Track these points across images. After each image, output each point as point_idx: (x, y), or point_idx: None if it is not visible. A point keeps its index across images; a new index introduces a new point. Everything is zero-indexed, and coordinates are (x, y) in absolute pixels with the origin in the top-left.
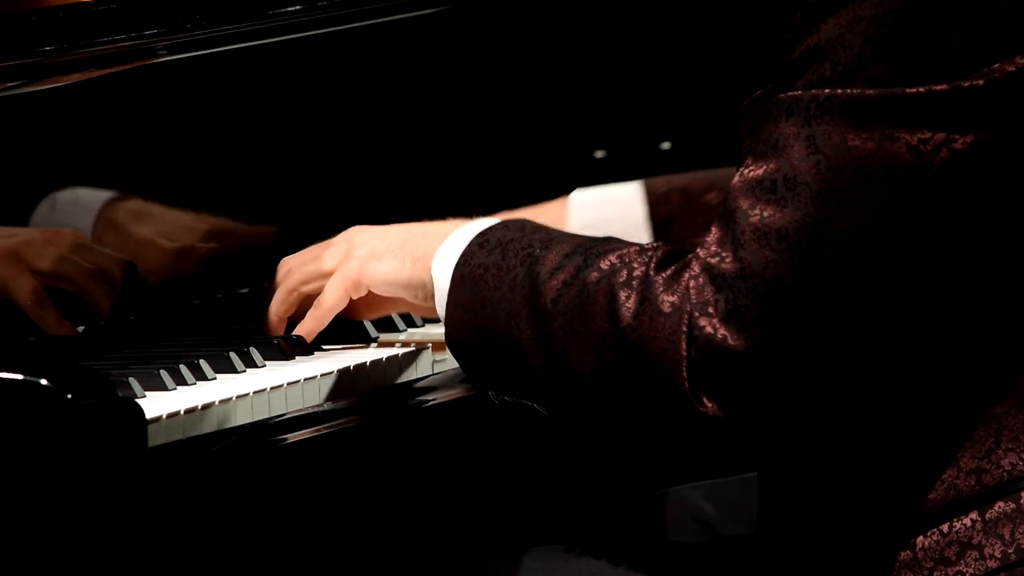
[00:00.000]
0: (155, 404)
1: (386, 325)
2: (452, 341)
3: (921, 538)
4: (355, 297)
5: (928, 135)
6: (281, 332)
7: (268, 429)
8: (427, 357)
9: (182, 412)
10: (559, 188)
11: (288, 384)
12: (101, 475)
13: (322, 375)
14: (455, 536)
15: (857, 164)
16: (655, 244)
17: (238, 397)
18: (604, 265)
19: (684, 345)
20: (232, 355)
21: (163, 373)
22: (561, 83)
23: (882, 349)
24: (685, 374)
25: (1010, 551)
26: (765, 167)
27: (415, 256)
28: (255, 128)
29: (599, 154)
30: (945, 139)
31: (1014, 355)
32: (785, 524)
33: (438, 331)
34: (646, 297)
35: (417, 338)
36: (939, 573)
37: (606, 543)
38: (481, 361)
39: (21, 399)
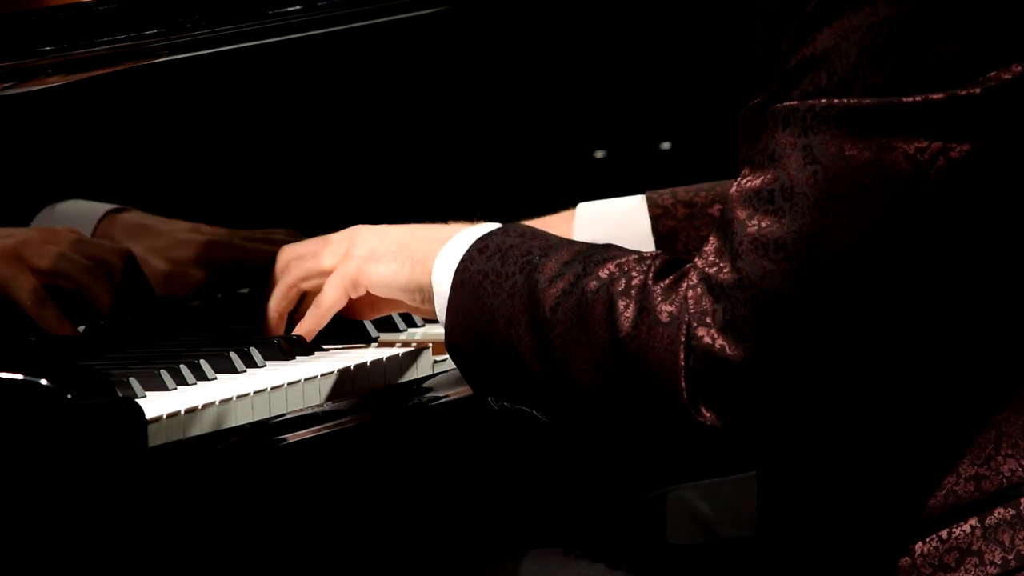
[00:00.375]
0: (155, 404)
1: (386, 325)
2: (452, 346)
3: (920, 544)
4: (354, 297)
5: (925, 144)
6: (281, 328)
7: (268, 429)
8: (427, 357)
9: (182, 412)
10: (559, 188)
11: (288, 384)
12: (101, 475)
13: (322, 375)
14: (455, 536)
15: (854, 174)
16: (654, 253)
17: (238, 397)
18: (603, 274)
19: (682, 355)
20: (232, 355)
21: (163, 373)
22: (561, 83)
23: (881, 356)
24: (683, 384)
25: (1010, 557)
26: (762, 177)
27: (414, 259)
28: (255, 128)
29: (599, 154)
30: (942, 148)
31: (1013, 361)
32: (784, 528)
33: (438, 331)
34: (644, 307)
35: (417, 338)
36: None
37: (605, 544)
38: (480, 367)
39: (21, 399)
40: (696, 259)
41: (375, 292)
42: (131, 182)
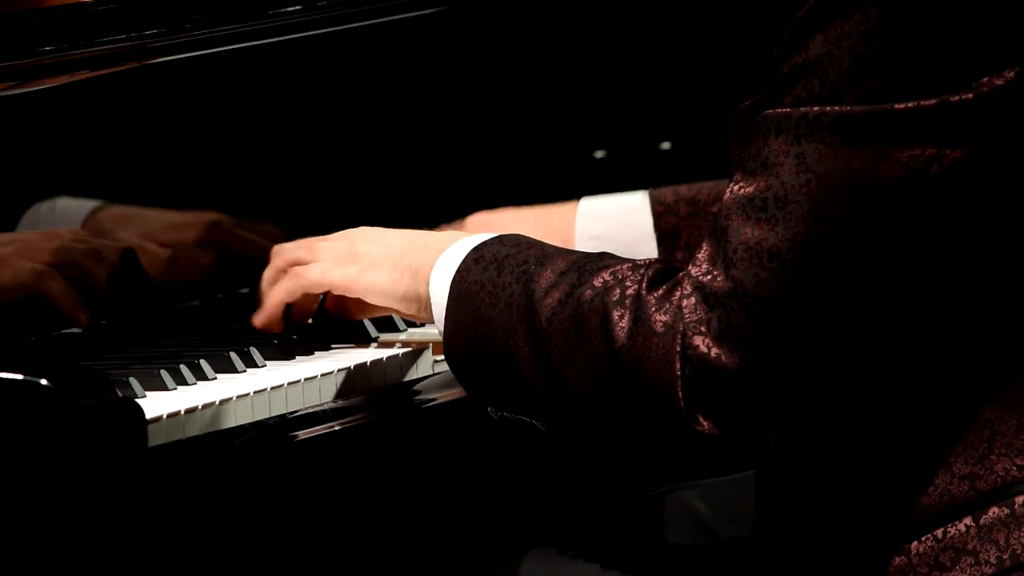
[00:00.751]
0: (155, 404)
1: (386, 325)
2: (450, 357)
3: (916, 543)
4: (338, 293)
5: (918, 151)
6: (275, 313)
7: (268, 429)
8: (427, 357)
9: (182, 412)
10: (559, 188)
11: (288, 384)
12: (101, 475)
13: (322, 375)
14: (455, 536)
15: (848, 182)
16: (647, 261)
17: (238, 397)
18: (597, 283)
19: (678, 364)
20: (232, 355)
21: (163, 373)
22: (561, 83)
23: (875, 358)
24: (680, 394)
25: (1005, 557)
26: (755, 185)
27: (413, 269)
28: (255, 128)
29: (599, 154)
30: (935, 154)
31: (1005, 361)
32: (781, 528)
33: (438, 331)
34: (639, 317)
35: (417, 338)
36: None
37: (604, 544)
38: (479, 377)
39: (21, 399)
40: (689, 267)
41: (371, 301)
42: (132, 182)
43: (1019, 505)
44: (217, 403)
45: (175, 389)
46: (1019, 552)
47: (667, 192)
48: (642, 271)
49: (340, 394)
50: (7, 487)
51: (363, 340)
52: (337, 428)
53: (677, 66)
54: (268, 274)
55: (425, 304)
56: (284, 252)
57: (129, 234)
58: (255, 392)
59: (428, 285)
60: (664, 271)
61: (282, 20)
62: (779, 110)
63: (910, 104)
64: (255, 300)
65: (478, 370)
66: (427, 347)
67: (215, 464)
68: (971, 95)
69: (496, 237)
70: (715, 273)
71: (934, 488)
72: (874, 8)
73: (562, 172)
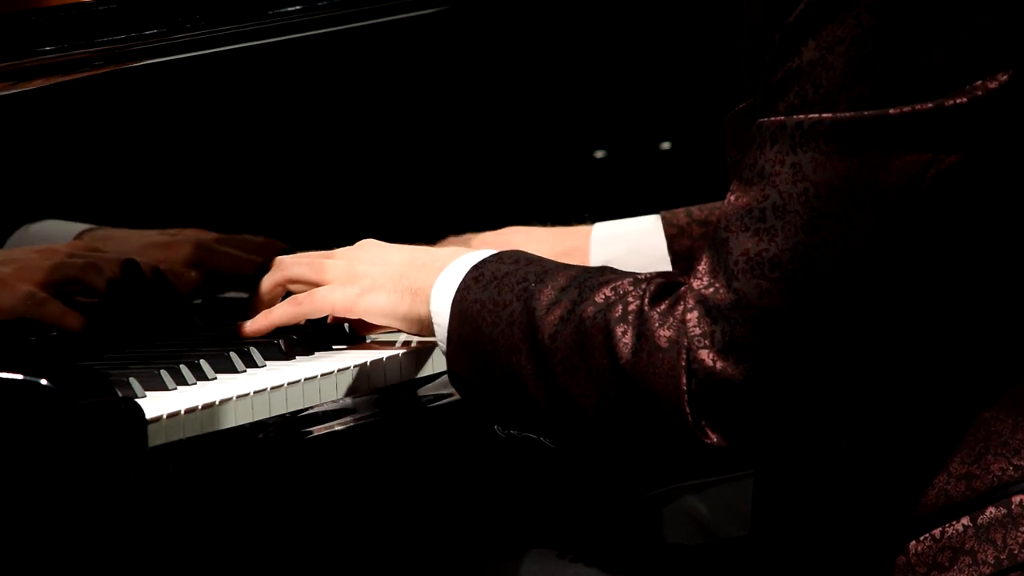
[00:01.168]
0: (155, 404)
1: None
2: (454, 376)
3: (914, 543)
4: (340, 315)
5: (915, 156)
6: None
7: (268, 429)
8: (428, 357)
9: (182, 412)
10: (560, 188)
11: (288, 384)
12: (101, 475)
13: (322, 375)
14: (455, 536)
15: (845, 190)
16: (648, 275)
17: (238, 397)
18: (599, 299)
19: (684, 379)
20: (232, 355)
21: (163, 373)
22: (561, 83)
23: (876, 361)
24: (688, 408)
25: (1003, 557)
26: (752, 195)
27: (413, 289)
28: (255, 128)
29: (599, 154)
30: (932, 159)
31: (1003, 361)
32: (779, 528)
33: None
34: (642, 333)
35: (417, 338)
36: None
37: (604, 545)
38: (484, 396)
39: (21, 399)
40: (691, 280)
41: (372, 322)
42: (132, 182)
43: (1016, 505)
44: (217, 403)
45: (175, 389)
46: (1016, 552)
47: (680, 214)
48: (643, 286)
49: (340, 394)
50: (7, 487)
51: (363, 340)
52: (337, 428)
53: (677, 66)
54: (266, 285)
55: (427, 324)
56: (285, 267)
57: (127, 234)
58: (255, 392)
59: (429, 305)
60: (666, 285)
61: (282, 20)
62: (774, 119)
63: (905, 109)
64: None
65: (482, 389)
66: (428, 347)
67: (215, 464)
68: (966, 99)
69: (495, 254)
70: (717, 286)
71: (931, 488)
72: (866, 12)
73: (562, 172)
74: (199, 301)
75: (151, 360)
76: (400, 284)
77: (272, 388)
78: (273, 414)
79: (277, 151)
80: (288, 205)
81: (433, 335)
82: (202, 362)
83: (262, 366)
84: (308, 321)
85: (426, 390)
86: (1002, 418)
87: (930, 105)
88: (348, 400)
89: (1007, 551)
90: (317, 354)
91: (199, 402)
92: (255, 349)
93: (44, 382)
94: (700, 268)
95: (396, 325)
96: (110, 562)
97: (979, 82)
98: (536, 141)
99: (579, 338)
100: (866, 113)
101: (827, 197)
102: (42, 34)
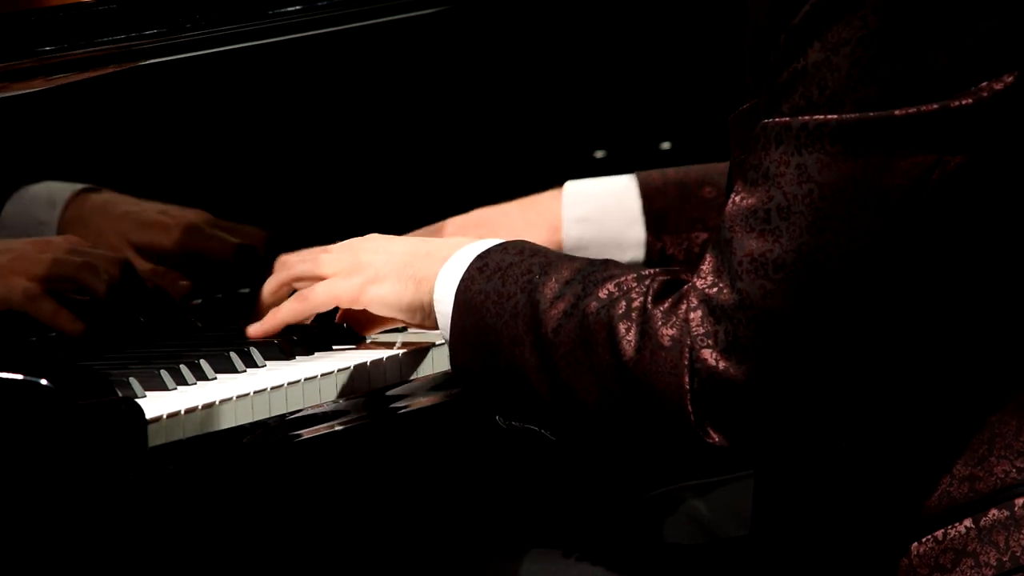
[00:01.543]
0: (155, 404)
1: None
2: (457, 366)
3: (916, 544)
4: (345, 307)
5: (920, 158)
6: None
7: (268, 429)
8: (428, 357)
9: (182, 412)
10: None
11: (288, 384)
12: (101, 475)
13: (322, 375)
14: (455, 536)
15: (850, 191)
16: (652, 272)
17: (238, 397)
18: (603, 295)
19: (687, 378)
20: (232, 355)
21: (163, 373)
22: (561, 83)
23: (880, 360)
24: (690, 407)
25: (1005, 559)
26: (757, 196)
27: (417, 278)
28: (255, 128)
29: (599, 154)
30: (937, 161)
31: (1006, 363)
32: (779, 528)
33: (443, 341)
34: (646, 331)
35: (417, 338)
36: None
37: (604, 545)
38: (486, 387)
39: (21, 399)
40: (695, 279)
41: (376, 312)
42: (132, 182)
43: (1019, 507)
44: (217, 403)
45: (175, 389)
46: (1019, 555)
47: (654, 174)
48: (647, 283)
49: (340, 394)
50: (7, 487)
51: (363, 340)
52: (337, 428)
53: (677, 66)
54: (270, 286)
55: (429, 313)
56: (288, 266)
57: (96, 213)
58: (255, 392)
59: (432, 295)
60: (669, 283)
61: (282, 20)
62: (778, 120)
63: (911, 110)
64: (255, 300)
65: (485, 379)
66: (428, 347)
67: (215, 464)
68: (971, 100)
69: (500, 244)
70: (721, 285)
71: (935, 489)
72: (871, 14)
73: (562, 172)
74: (199, 301)
75: (151, 360)
76: (404, 273)
77: (272, 388)
78: (273, 414)
79: (277, 151)
80: (288, 205)
81: (436, 325)
82: (202, 362)
83: (262, 366)
84: (316, 320)
85: (427, 390)
86: (1006, 420)
87: (935, 107)
88: (348, 400)
89: (1009, 553)
90: (317, 354)
91: (199, 402)
92: (255, 349)
93: (44, 382)
94: (704, 267)
95: (399, 316)
96: (110, 562)
97: (984, 83)
98: (536, 141)
99: (582, 333)
100: (871, 114)
101: (832, 198)
102: (42, 34)
